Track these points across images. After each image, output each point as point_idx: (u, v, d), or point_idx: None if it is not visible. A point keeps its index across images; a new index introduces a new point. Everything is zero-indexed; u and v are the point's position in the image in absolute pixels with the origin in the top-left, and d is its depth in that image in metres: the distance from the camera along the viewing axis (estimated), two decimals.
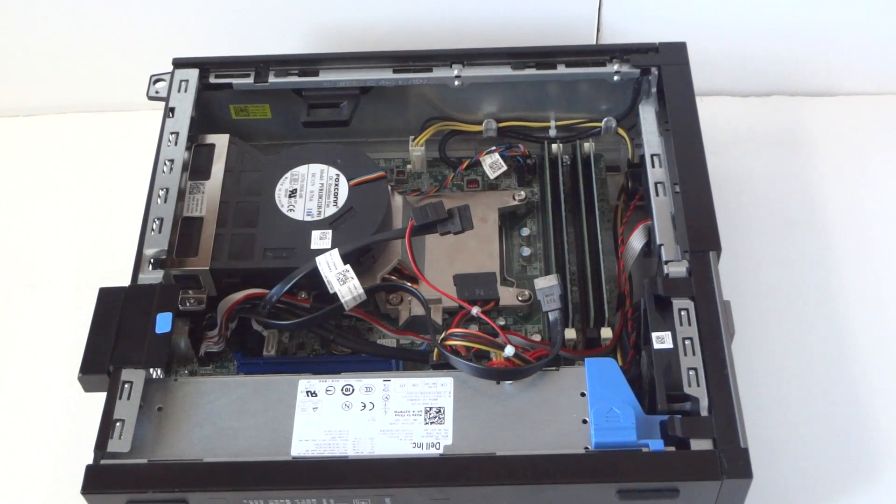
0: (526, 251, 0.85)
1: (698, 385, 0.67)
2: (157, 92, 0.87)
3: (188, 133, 0.84)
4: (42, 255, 0.95)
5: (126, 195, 0.92)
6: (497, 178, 0.88)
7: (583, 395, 0.69)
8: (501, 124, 0.90)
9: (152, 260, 0.76)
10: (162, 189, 0.80)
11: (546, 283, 0.74)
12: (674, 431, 0.65)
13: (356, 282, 0.74)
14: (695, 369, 0.68)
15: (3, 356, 0.88)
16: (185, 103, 0.86)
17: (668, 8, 0.98)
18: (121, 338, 0.72)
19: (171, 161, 0.82)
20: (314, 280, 0.75)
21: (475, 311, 0.74)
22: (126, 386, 0.69)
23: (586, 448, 0.66)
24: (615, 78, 0.86)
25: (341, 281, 0.74)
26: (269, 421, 0.69)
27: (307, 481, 0.65)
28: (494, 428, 0.68)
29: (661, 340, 0.70)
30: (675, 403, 0.67)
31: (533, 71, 0.86)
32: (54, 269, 0.94)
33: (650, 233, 0.78)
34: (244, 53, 0.90)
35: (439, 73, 0.87)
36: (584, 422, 0.68)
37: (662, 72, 0.85)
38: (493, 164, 0.88)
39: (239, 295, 0.76)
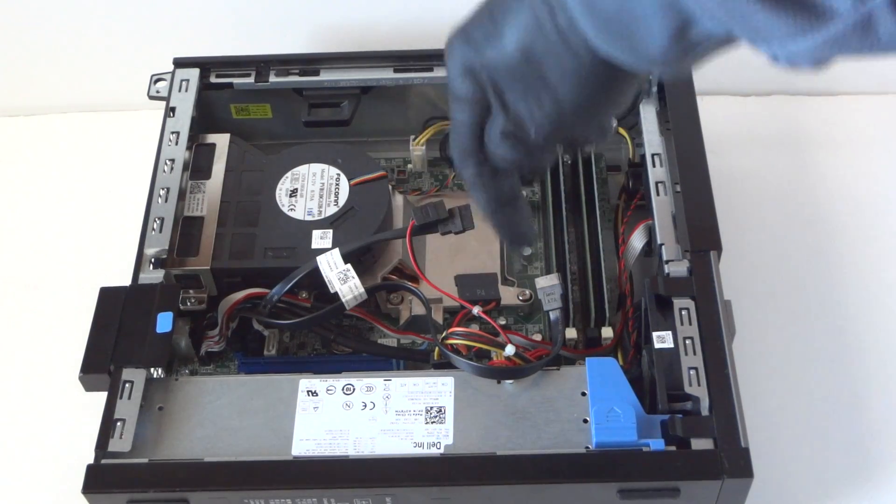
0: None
1: (699, 384, 0.67)
2: (157, 91, 0.87)
3: (189, 132, 0.84)
4: (42, 255, 0.95)
5: (126, 195, 0.92)
6: None
7: (584, 394, 0.69)
8: None
9: (153, 259, 0.76)
10: (162, 189, 0.80)
11: (547, 283, 0.74)
12: (674, 431, 0.65)
13: (357, 281, 0.74)
14: (695, 369, 0.68)
15: (3, 356, 0.88)
16: (185, 103, 0.86)
17: None
18: (121, 337, 0.72)
19: (172, 161, 0.82)
20: (315, 279, 0.75)
21: (476, 310, 0.74)
22: (127, 385, 0.69)
23: (587, 447, 0.66)
24: None
25: (342, 280, 0.74)
26: (269, 420, 0.69)
27: (308, 481, 0.65)
28: (495, 427, 0.68)
29: (662, 340, 0.70)
30: (676, 403, 0.67)
31: None
32: (54, 269, 0.94)
33: (651, 232, 0.78)
34: (245, 53, 0.90)
35: (440, 72, 0.87)
36: (585, 421, 0.68)
37: None
38: None
39: (240, 294, 0.76)
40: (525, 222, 0.66)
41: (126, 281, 0.75)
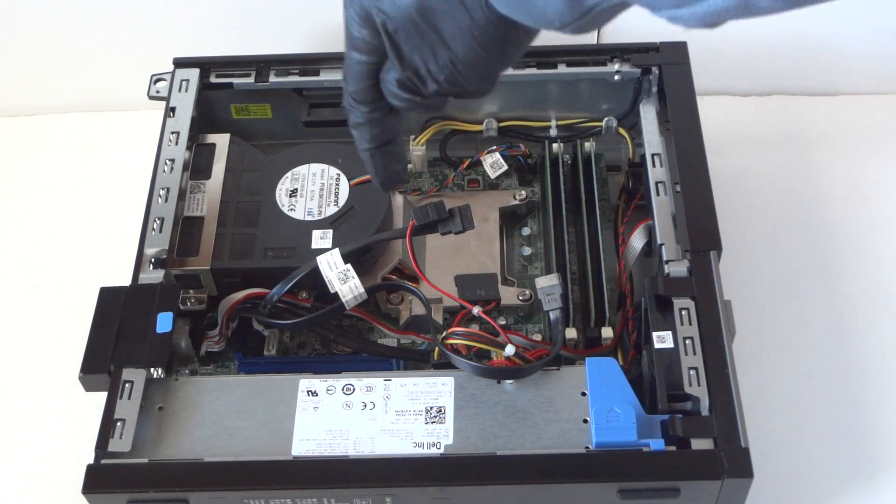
0: (527, 251, 0.85)
1: (699, 384, 0.67)
2: (157, 91, 0.87)
3: (189, 132, 0.84)
4: (43, 255, 0.95)
5: (126, 195, 0.92)
6: (498, 177, 0.88)
7: (583, 394, 0.69)
8: (502, 124, 0.90)
9: (153, 259, 0.76)
10: (162, 189, 0.80)
11: (547, 283, 0.74)
12: (674, 431, 0.65)
13: (357, 281, 0.74)
14: (695, 369, 0.68)
15: (3, 356, 0.88)
16: (185, 103, 0.86)
17: None
18: (121, 337, 0.72)
19: (172, 161, 0.82)
20: (315, 280, 0.75)
21: (476, 310, 0.74)
22: (127, 385, 0.69)
23: (587, 447, 0.66)
24: (616, 77, 0.86)
25: (342, 280, 0.74)
26: (269, 420, 0.69)
27: (308, 481, 0.65)
28: (495, 427, 0.68)
29: (662, 340, 0.70)
30: (676, 403, 0.67)
31: (533, 70, 0.86)
32: (55, 269, 0.94)
33: (651, 232, 0.78)
34: (245, 53, 0.90)
35: None
36: (585, 421, 0.68)
37: (663, 71, 0.85)
38: (493, 163, 0.88)
39: (240, 294, 0.76)
40: (401, 160, 0.68)
41: (126, 281, 0.75)
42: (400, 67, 0.59)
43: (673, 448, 0.65)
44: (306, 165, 0.83)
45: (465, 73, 0.57)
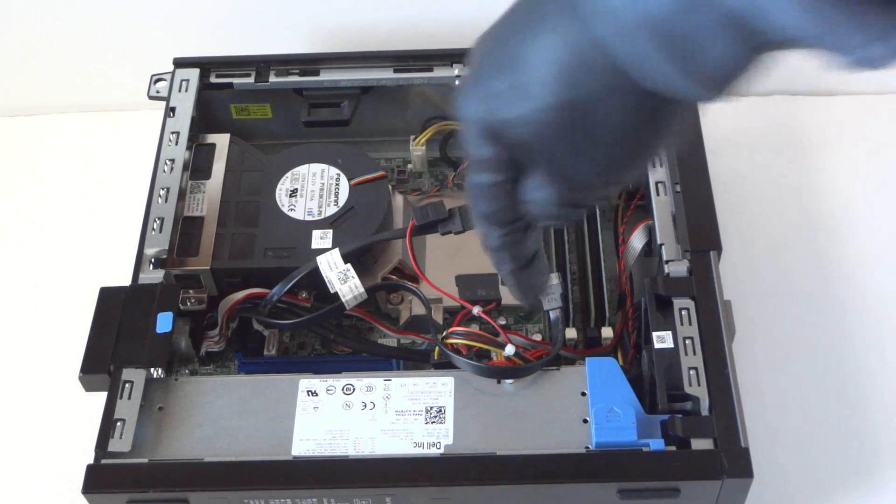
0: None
1: (699, 384, 0.67)
2: (157, 91, 0.87)
3: (189, 133, 0.84)
4: (43, 255, 0.95)
5: (126, 195, 0.92)
6: None
7: (583, 394, 0.69)
8: None
9: (153, 259, 0.76)
10: (162, 189, 0.80)
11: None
12: (674, 431, 0.65)
13: (357, 281, 0.74)
14: (695, 369, 0.68)
15: (3, 356, 0.88)
16: (185, 103, 0.86)
17: None
18: (121, 337, 0.72)
19: (172, 161, 0.82)
20: (315, 279, 0.75)
21: (476, 310, 0.74)
22: (127, 385, 0.69)
23: (587, 447, 0.66)
24: None
25: (342, 280, 0.74)
26: (269, 420, 0.69)
27: (308, 481, 0.65)
28: (495, 427, 0.68)
29: (662, 340, 0.70)
30: (676, 403, 0.67)
31: None
32: (55, 269, 0.94)
33: (651, 232, 0.78)
34: (245, 53, 0.90)
35: (440, 72, 0.87)
36: (585, 421, 0.68)
37: None
38: None
39: (240, 294, 0.76)
40: (544, 275, 0.61)
41: (126, 281, 0.75)
42: (549, 182, 0.51)
43: (673, 448, 0.65)
44: (306, 165, 0.83)
45: (621, 167, 0.51)
